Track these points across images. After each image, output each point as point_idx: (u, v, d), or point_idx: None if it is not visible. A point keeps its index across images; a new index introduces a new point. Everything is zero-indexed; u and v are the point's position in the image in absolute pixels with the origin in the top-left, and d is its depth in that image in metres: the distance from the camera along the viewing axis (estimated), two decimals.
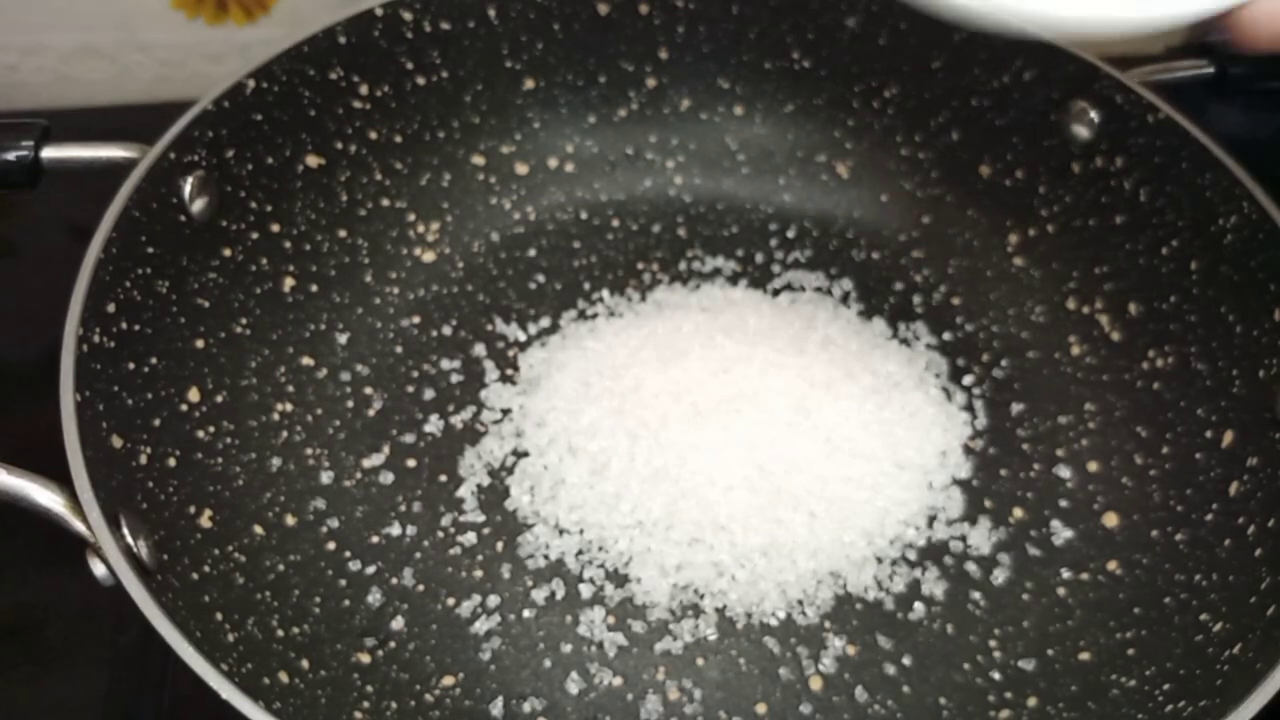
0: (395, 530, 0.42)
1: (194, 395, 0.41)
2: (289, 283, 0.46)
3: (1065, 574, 0.42)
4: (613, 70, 0.53)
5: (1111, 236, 0.47)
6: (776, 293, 0.51)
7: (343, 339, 0.47)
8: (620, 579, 0.41)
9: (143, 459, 0.37)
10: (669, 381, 0.45)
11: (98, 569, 0.31)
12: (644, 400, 0.44)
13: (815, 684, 0.39)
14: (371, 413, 0.45)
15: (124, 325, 0.38)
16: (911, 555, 0.42)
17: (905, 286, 0.51)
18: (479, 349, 0.48)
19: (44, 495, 0.32)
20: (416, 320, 0.49)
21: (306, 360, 0.46)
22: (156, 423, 0.38)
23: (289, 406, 0.44)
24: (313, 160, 0.47)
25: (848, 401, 0.45)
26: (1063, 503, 0.44)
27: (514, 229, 0.53)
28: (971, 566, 0.42)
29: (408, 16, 0.48)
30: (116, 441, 0.36)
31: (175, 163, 0.41)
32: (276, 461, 0.42)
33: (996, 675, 0.39)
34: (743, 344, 0.46)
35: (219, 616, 0.35)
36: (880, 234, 0.53)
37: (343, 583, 0.40)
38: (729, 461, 0.42)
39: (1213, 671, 0.35)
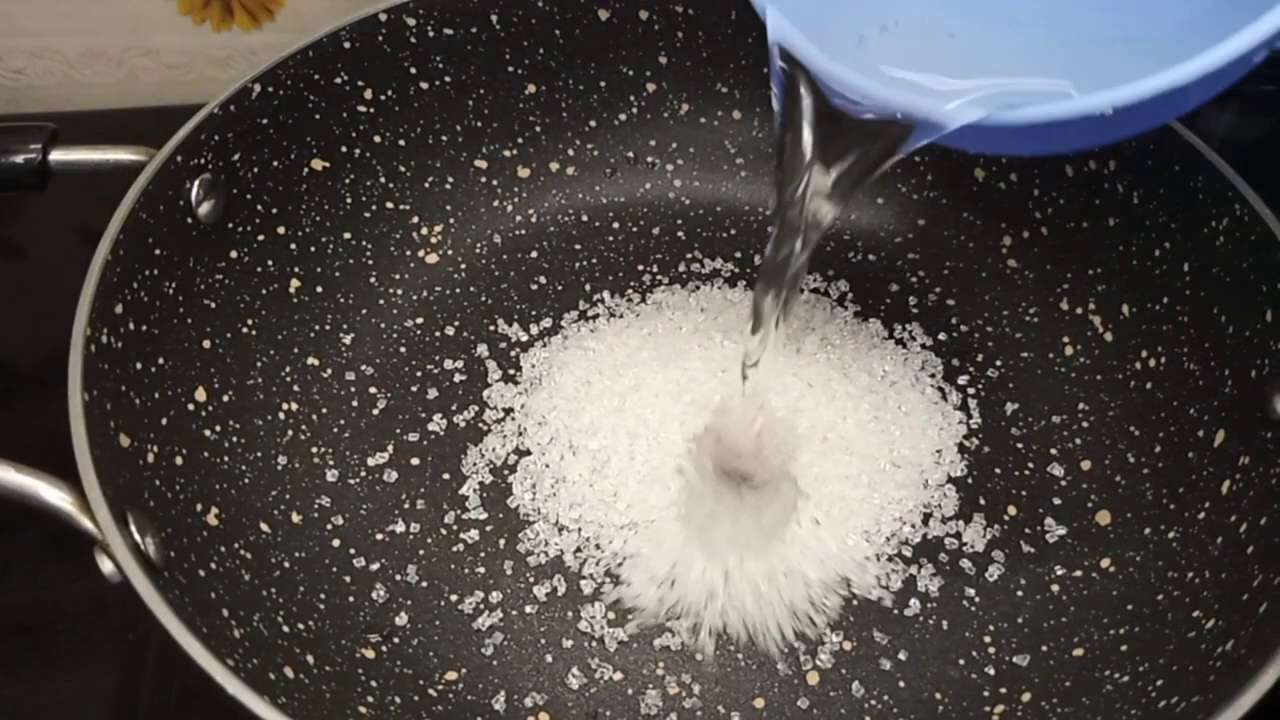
0: (399, 527, 0.42)
1: (201, 395, 0.41)
2: (294, 284, 0.46)
3: (1058, 571, 0.42)
4: (613, 75, 0.54)
5: (1104, 238, 0.48)
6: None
7: (347, 339, 0.48)
8: (618, 577, 0.41)
9: (150, 457, 0.37)
10: (668, 381, 0.45)
11: (105, 566, 0.31)
12: (644, 399, 0.44)
13: (812, 679, 0.39)
14: (376, 412, 0.46)
15: (131, 326, 0.38)
16: (907, 552, 0.42)
17: (901, 288, 0.52)
18: (481, 349, 0.48)
19: (52, 494, 0.32)
20: (420, 321, 0.49)
21: (312, 360, 0.46)
22: (164, 422, 0.38)
23: (294, 406, 0.44)
24: (318, 164, 0.47)
25: (844, 401, 0.45)
26: (1056, 500, 0.44)
27: (516, 231, 0.53)
28: (966, 563, 0.42)
29: (411, 22, 0.49)
30: (124, 440, 0.36)
31: (182, 166, 0.41)
32: (282, 460, 0.43)
33: (991, 670, 0.39)
34: (741, 344, 0.46)
35: (225, 613, 0.35)
36: (876, 236, 0.54)
37: (347, 579, 0.41)
38: None
39: (1205, 668, 0.35)
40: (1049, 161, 0.49)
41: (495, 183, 0.53)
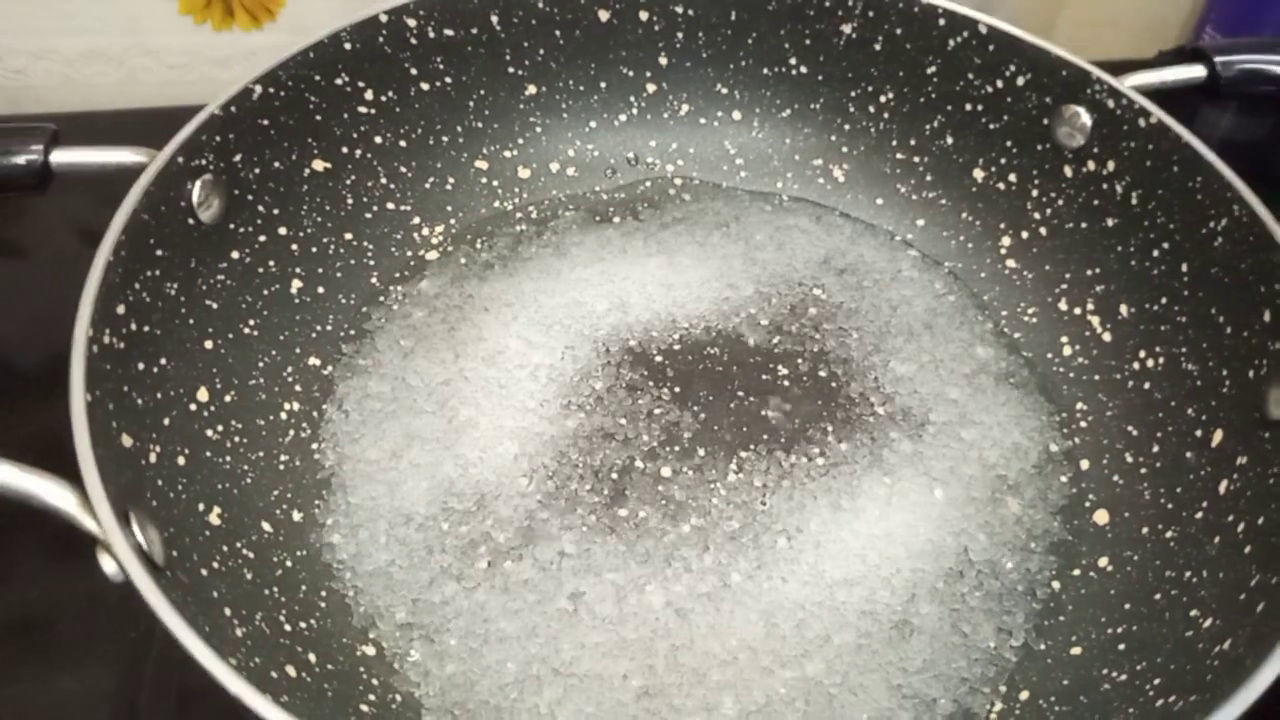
0: None
1: (203, 395, 0.41)
2: (296, 284, 0.47)
3: (1057, 569, 0.42)
4: (613, 76, 0.54)
5: (1103, 239, 0.48)
6: None
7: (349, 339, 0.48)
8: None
9: (152, 458, 0.37)
10: None
11: (108, 566, 0.31)
12: None
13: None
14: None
15: (134, 326, 0.38)
16: None
17: None
18: None
19: (55, 494, 0.32)
20: None
21: (314, 360, 0.46)
22: (166, 422, 0.38)
23: (296, 406, 0.45)
24: (319, 164, 0.47)
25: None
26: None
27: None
28: None
29: (412, 23, 0.49)
30: (127, 440, 0.36)
31: (183, 167, 0.41)
32: (284, 459, 0.43)
33: (990, 669, 0.39)
34: None
35: (227, 612, 0.35)
36: (876, 236, 0.54)
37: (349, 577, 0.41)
38: None
39: (1202, 667, 0.35)
40: (1048, 162, 0.49)
41: (496, 183, 0.54)
